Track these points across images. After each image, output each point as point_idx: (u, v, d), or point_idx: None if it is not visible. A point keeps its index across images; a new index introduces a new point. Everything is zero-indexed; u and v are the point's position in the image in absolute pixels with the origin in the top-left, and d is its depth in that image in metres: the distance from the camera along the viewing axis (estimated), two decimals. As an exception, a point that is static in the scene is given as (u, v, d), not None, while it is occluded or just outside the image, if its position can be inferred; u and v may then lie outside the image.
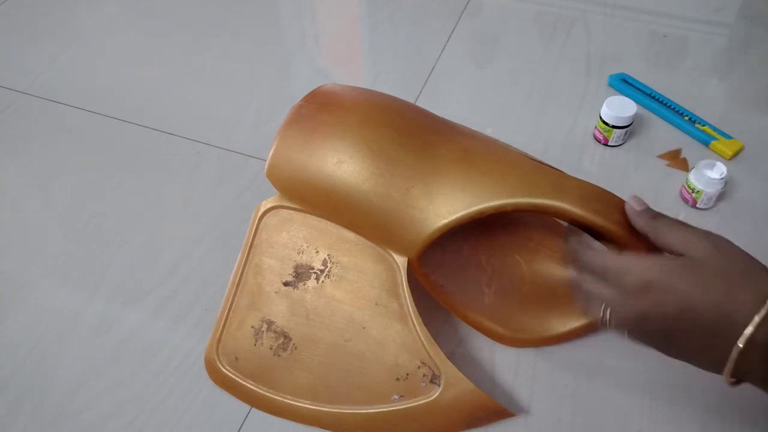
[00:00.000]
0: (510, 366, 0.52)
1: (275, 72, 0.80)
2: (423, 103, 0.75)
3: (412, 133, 0.50)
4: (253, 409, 0.50)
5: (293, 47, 0.85)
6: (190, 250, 0.61)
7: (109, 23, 0.89)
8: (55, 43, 0.86)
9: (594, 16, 0.85)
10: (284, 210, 0.51)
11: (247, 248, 0.51)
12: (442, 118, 0.54)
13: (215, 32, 0.87)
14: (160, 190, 0.67)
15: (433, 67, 0.79)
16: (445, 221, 0.46)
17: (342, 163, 0.48)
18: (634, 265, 0.39)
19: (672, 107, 0.71)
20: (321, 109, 0.51)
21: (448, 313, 0.53)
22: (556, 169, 0.49)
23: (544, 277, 0.53)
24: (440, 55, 0.81)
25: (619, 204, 0.45)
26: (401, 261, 0.49)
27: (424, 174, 0.48)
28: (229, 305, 0.51)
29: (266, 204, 0.51)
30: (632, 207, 0.44)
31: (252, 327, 0.50)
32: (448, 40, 0.83)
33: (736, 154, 0.67)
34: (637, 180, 0.65)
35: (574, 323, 0.52)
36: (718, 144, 0.67)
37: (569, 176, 0.47)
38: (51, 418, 0.50)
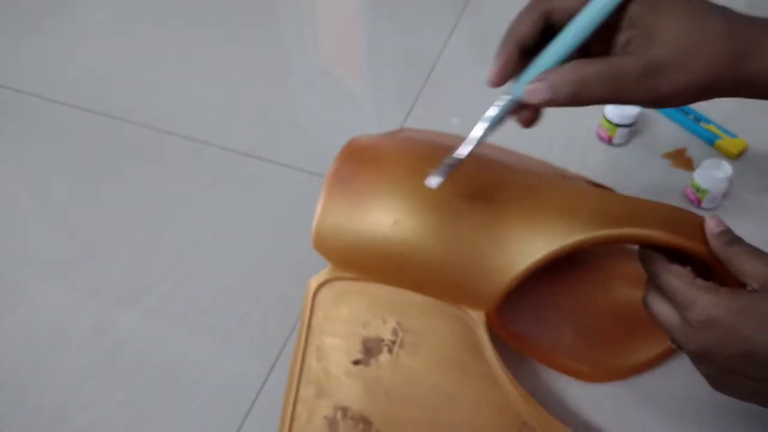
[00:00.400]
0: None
1: (273, 69, 0.78)
2: (424, 102, 0.73)
3: (462, 179, 0.46)
4: (253, 410, 0.49)
5: (292, 44, 0.83)
6: (187, 250, 0.60)
7: (106, 20, 0.87)
8: (50, 42, 0.84)
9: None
10: (339, 282, 0.46)
11: (304, 330, 0.46)
12: (483, 153, 0.50)
13: (213, 30, 0.85)
14: (157, 189, 0.66)
15: (434, 65, 0.77)
16: (522, 267, 0.43)
17: (399, 223, 0.44)
18: (701, 299, 0.37)
19: (676, 105, 0.71)
20: (362, 167, 0.46)
21: (519, 356, 0.50)
22: (616, 192, 0.46)
23: (621, 304, 0.51)
24: (441, 52, 0.79)
25: (700, 223, 0.42)
26: (479, 316, 0.45)
27: (489, 221, 0.44)
28: (293, 398, 0.45)
29: (318, 279, 0.47)
30: (710, 227, 0.41)
31: (325, 418, 0.45)
32: (449, 38, 0.80)
33: (741, 153, 0.66)
34: (641, 179, 0.64)
35: (661, 346, 0.49)
36: (723, 143, 0.66)
37: (642, 199, 0.44)
38: (50, 419, 0.50)
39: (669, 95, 0.36)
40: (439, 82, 0.75)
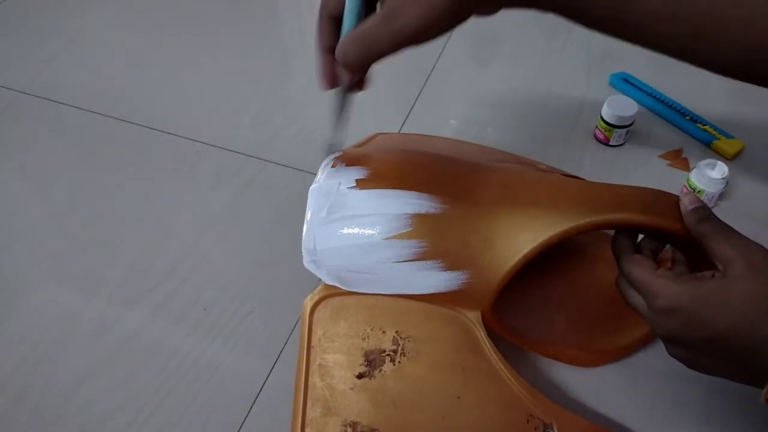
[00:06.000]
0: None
1: (274, 71, 0.80)
2: (423, 103, 0.74)
3: (443, 184, 0.47)
4: (253, 410, 0.50)
5: (292, 46, 0.85)
6: (189, 250, 0.61)
7: (108, 22, 0.88)
8: (53, 42, 0.85)
9: (595, 14, 0.86)
10: (334, 298, 0.47)
11: (305, 350, 0.46)
12: (459, 157, 0.51)
13: (214, 31, 0.86)
14: (159, 190, 0.67)
15: (434, 67, 0.78)
16: (513, 263, 0.44)
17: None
18: (665, 289, 0.38)
19: (673, 107, 0.71)
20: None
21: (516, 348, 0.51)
22: (593, 182, 0.47)
23: (606, 287, 0.50)
24: (440, 53, 0.80)
25: (677, 203, 0.43)
26: (475, 316, 0.46)
27: (475, 222, 0.45)
28: (300, 420, 0.45)
29: (313, 298, 0.47)
30: (684, 204, 0.42)
31: (335, 435, 0.45)
32: (448, 39, 0.82)
33: (737, 154, 0.66)
34: (638, 180, 0.63)
35: (646, 326, 0.49)
36: (720, 143, 0.66)
37: (620, 185, 0.46)
38: (51, 418, 0.50)
39: (418, 29, 0.40)
40: (437, 84, 0.76)
